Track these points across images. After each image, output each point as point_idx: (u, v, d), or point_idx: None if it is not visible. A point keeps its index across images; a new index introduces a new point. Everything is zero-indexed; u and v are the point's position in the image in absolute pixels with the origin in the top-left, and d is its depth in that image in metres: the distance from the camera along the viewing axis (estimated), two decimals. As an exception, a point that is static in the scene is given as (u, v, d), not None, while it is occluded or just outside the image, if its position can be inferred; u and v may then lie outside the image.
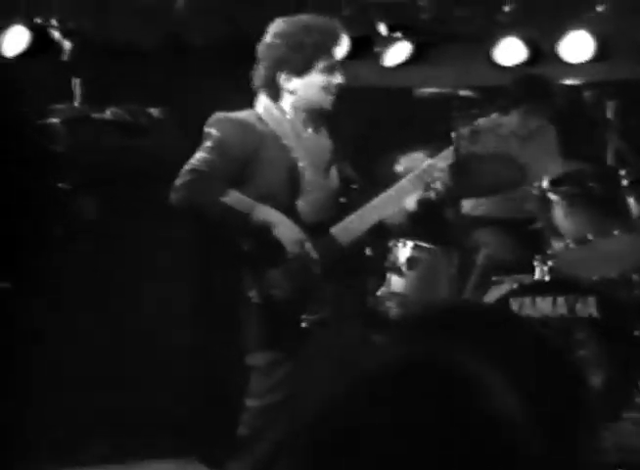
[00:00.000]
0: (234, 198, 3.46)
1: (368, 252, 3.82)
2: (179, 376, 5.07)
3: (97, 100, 5.17)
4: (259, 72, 3.64)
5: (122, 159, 5.08)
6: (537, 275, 4.72)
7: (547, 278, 4.69)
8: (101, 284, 4.98)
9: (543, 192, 4.88)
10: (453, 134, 3.90)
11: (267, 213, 3.48)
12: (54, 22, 5.07)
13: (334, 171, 3.73)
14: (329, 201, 3.67)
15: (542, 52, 6.09)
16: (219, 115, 3.59)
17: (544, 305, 4.58)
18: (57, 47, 5.15)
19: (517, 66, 6.05)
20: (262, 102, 3.66)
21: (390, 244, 4.58)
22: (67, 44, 5.12)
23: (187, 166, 3.49)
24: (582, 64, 6.09)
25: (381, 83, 6.21)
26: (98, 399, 4.81)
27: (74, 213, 5.00)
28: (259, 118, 3.61)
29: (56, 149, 5.03)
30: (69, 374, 4.81)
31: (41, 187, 5.03)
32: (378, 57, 6.05)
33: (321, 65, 3.60)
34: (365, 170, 4.03)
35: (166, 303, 5.03)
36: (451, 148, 3.86)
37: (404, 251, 4.57)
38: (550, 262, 4.71)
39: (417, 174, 3.72)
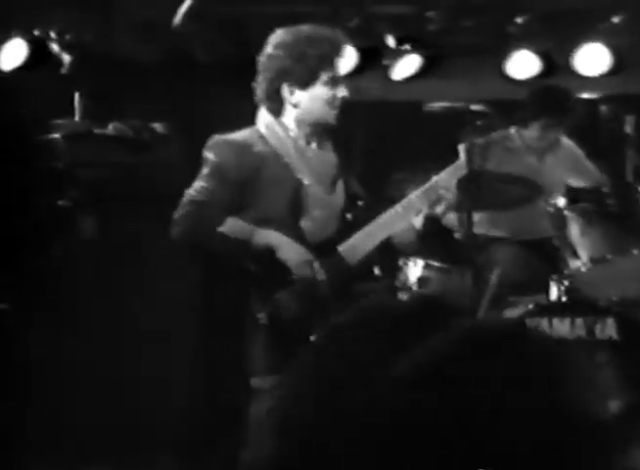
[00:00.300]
0: (233, 226, 3.42)
1: (377, 271, 3.73)
2: (182, 398, 4.99)
3: (99, 115, 5.10)
4: (261, 85, 3.56)
5: (125, 175, 5.02)
6: (554, 295, 4.62)
7: (564, 298, 4.59)
8: (101, 306, 4.88)
9: (559, 209, 4.79)
10: (463, 146, 3.79)
11: (268, 237, 3.43)
12: (53, 34, 4.99)
13: (340, 187, 3.66)
14: (334, 218, 3.61)
15: (556, 65, 5.99)
16: (217, 137, 3.54)
17: (562, 327, 4.48)
18: (56, 60, 5.07)
19: (530, 79, 5.94)
20: (264, 118, 3.59)
21: (401, 263, 4.48)
22: (66, 57, 5.04)
23: (185, 198, 3.47)
24: (598, 77, 5.98)
25: (390, 97, 6.15)
26: (99, 419, 4.73)
27: (74, 232, 4.92)
28: (261, 137, 3.55)
29: (56, 165, 4.96)
30: (69, 395, 4.71)
31: (40, 205, 4.96)
32: (386, 70, 5.97)
33: (325, 77, 3.51)
34: (373, 186, 3.95)
35: (169, 324, 4.95)
36: (458, 163, 3.77)
37: (415, 270, 4.47)
38: (567, 282, 4.61)
39: (423, 191, 3.62)
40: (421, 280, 4.43)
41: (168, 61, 5.33)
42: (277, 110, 3.56)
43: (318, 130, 3.58)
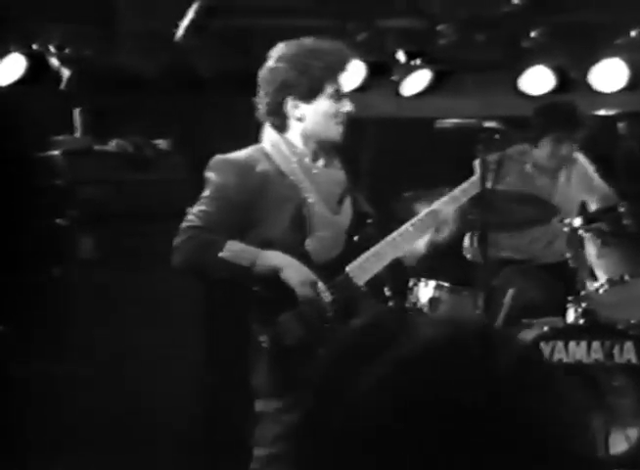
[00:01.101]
0: (234, 250, 3.36)
1: (387, 291, 3.67)
2: (184, 420, 4.94)
3: (100, 131, 5.08)
4: (264, 100, 3.51)
5: (126, 193, 4.99)
6: (571, 318, 4.57)
7: (581, 321, 4.54)
8: (101, 327, 4.84)
9: (575, 230, 4.74)
10: (478, 162, 3.74)
11: (271, 258, 3.38)
12: (52, 48, 4.97)
13: (347, 206, 3.60)
14: (340, 238, 3.54)
15: (572, 81, 5.94)
16: (219, 157, 3.50)
17: (578, 350, 4.42)
18: (55, 75, 5.05)
19: (545, 95, 5.90)
20: (268, 135, 3.54)
21: (411, 283, 4.43)
22: (65, 72, 5.01)
23: (184, 224, 3.43)
24: (615, 93, 5.93)
25: (399, 114, 6.11)
26: (98, 440, 4.69)
27: (74, 252, 4.89)
28: (265, 154, 3.50)
29: (55, 183, 4.94)
30: (69, 416, 4.69)
31: (39, 224, 4.93)
32: (396, 86, 5.93)
33: (330, 89, 3.47)
34: (382, 205, 3.91)
35: (170, 345, 4.90)
36: (473, 179, 3.72)
37: (426, 291, 4.44)
38: (584, 304, 4.56)
39: (420, 219, 3.57)
40: (432, 301, 4.39)
41: (170, 75, 5.31)
42: (281, 125, 3.51)
43: (325, 147, 3.54)
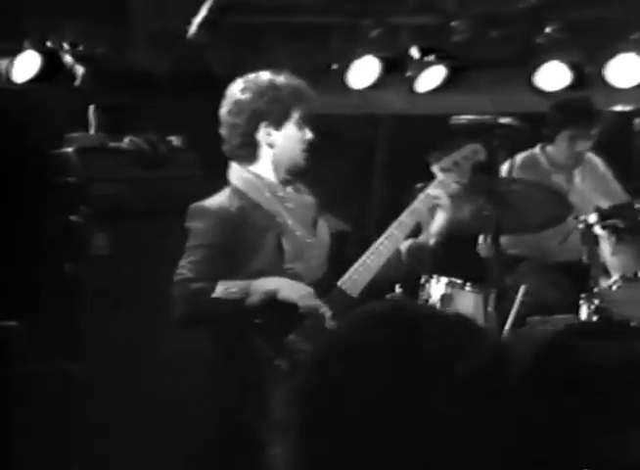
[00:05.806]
0: (225, 288, 3.50)
1: (398, 288, 3.77)
2: (201, 421, 4.99)
3: (114, 128, 5.16)
4: (235, 132, 3.66)
5: (140, 190, 5.06)
6: (583, 315, 4.62)
7: (595, 318, 4.59)
8: (114, 324, 4.91)
9: (589, 227, 4.80)
10: (438, 166, 3.81)
11: (264, 284, 3.52)
12: (66, 46, 5.07)
13: (322, 226, 3.77)
14: (323, 257, 3.71)
15: (587, 76, 5.99)
16: (195, 206, 3.66)
17: (591, 348, 4.46)
18: (69, 72, 5.14)
19: (560, 91, 5.96)
20: (236, 172, 3.70)
21: (423, 280, 4.50)
22: (79, 69, 5.11)
23: (176, 277, 3.57)
24: (632, 89, 5.98)
25: (413, 110, 6.16)
26: (110, 446, 4.73)
27: (87, 248, 4.96)
28: (237, 191, 3.66)
29: (69, 180, 5.02)
30: (79, 415, 4.75)
31: (52, 220, 5.02)
32: (410, 82, 6.00)
33: (296, 115, 3.65)
34: (397, 202, 3.98)
35: (184, 345, 4.95)
36: (440, 177, 3.80)
37: (438, 287, 4.50)
38: (597, 301, 4.61)
39: (412, 209, 3.68)
40: (444, 298, 4.45)
41: (183, 72, 5.39)
42: (252, 156, 3.67)
43: (292, 173, 3.71)
